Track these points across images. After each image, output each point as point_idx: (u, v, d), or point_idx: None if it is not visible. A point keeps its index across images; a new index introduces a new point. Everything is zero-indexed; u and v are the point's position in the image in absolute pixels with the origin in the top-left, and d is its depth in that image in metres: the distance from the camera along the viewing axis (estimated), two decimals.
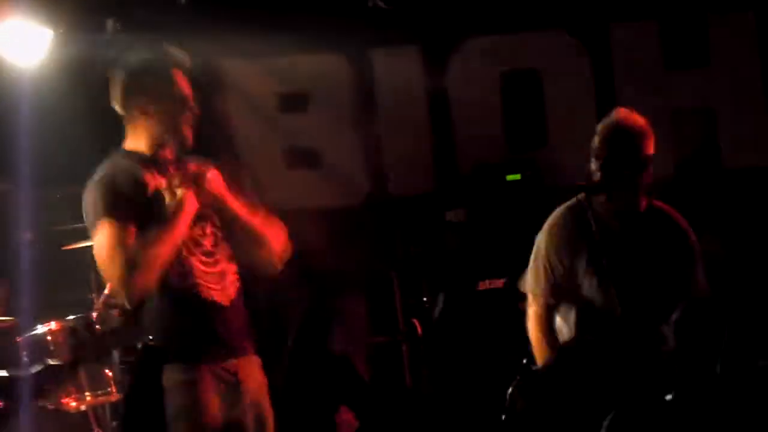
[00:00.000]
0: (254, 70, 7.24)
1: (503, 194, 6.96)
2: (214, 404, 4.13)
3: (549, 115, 7.31)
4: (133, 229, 4.03)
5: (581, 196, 4.58)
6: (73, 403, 5.94)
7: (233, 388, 4.19)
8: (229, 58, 7.12)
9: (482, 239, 6.80)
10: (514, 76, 7.37)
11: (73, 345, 3.55)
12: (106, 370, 6.07)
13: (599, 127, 4.53)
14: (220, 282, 4.20)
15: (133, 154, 4.21)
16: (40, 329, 5.92)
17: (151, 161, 4.19)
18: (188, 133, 4.24)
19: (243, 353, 4.22)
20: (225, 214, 4.23)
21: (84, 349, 3.54)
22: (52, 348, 5.79)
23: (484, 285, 6.50)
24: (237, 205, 4.23)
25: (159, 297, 4.11)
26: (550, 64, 7.31)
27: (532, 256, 4.64)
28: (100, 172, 4.18)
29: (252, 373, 4.24)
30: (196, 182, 4.14)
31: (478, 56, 7.33)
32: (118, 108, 4.26)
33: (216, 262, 4.21)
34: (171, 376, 4.12)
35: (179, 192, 4.08)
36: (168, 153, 4.23)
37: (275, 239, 4.29)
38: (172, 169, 4.19)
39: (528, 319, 4.65)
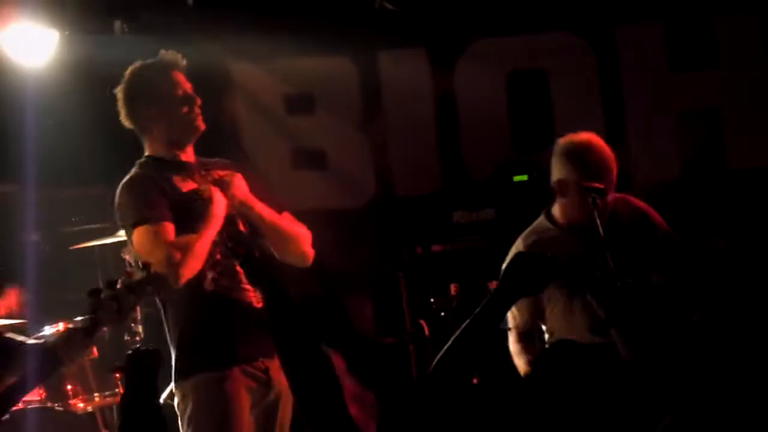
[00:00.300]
0: (261, 72, 7.25)
1: (510, 195, 6.96)
2: (244, 400, 4.16)
3: (556, 116, 7.31)
4: (170, 226, 4.09)
5: (540, 219, 4.61)
6: (81, 404, 5.97)
7: (264, 384, 4.22)
8: (236, 60, 7.14)
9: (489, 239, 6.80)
10: (521, 77, 7.37)
11: (92, 305, 3.56)
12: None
13: (564, 150, 4.52)
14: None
15: (155, 161, 4.26)
16: (48, 330, 5.95)
17: (175, 165, 4.25)
18: (199, 123, 4.29)
19: (273, 354, 4.23)
20: (252, 217, 4.29)
21: (104, 308, 3.55)
22: None
23: (493, 285, 6.52)
24: (262, 208, 4.29)
25: (191, 297, 4.15)
26: (556, 64, 7.30)
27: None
28: (130, 175, 4.24)
29: (279, 370, 4.25)
30: (221, 186, 4.20)
31: (485, 57, 7.32)
32: (127, 123, 4.32)
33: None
34: (201, 374, 4.15)
35: (206, 189, 4.15)
36: (189, 155, 4.29)
37: (303, 235, 4.36)
38: (197, 175, 4.25)
39: (512, 351, 4.69)
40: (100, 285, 5.93)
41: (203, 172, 4.32)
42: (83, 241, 6.17)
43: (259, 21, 6.83)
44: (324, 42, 7.01)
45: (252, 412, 4.21)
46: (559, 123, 7.27)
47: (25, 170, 6.30)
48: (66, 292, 6.47)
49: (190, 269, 4.06)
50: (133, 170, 4.29)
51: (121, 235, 5.43)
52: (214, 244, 4.16)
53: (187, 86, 4.31)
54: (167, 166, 4.27)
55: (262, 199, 4.37)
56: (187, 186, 4.23)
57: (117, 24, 6.56)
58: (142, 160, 4.32)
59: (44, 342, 3.76)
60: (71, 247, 6.23)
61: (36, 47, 6.18)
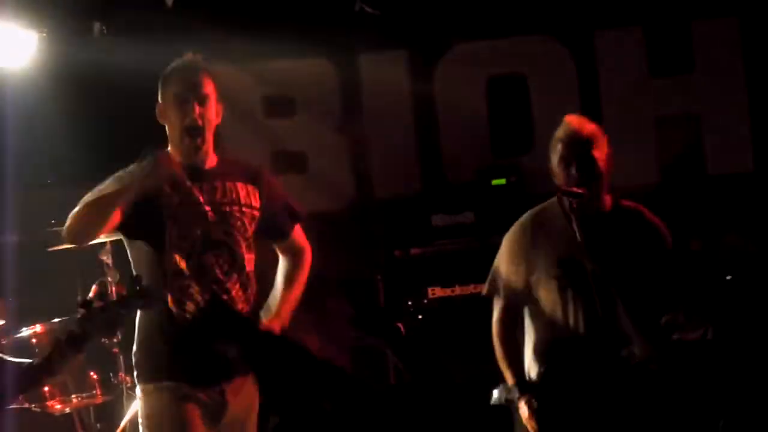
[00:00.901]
0: (241, 75, 7.24)
1: (488, 199, 6.98)
2: (194, 414, 4.13)
3: (535, 120, 7.33)
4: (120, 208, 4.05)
5: (553, 200, 4.62)
6: (58, 406, 5.94)
7: (218, 401, 4.18)
8: (216, 63, 7.11)
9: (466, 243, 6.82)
10: (501, 81, 7.40)
11: (82, 316, 3.54)
12: (91, 373, 6.09)
13: (558, 137, 4.57)
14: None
15: (167, 156, 4.19)
16: (25, 332, 5.92)
17: (184, 168, 4.19)
18: (196, 142, 4.20)
19: (233, 377, 4.20)
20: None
21: (93, 321, 3.53)
22: (36, 351, 5.80)
23: (466, 290, 6.57)
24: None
25: (154, 317, 4.11)
26: (535, 69, 7.33)
27: (495, 259, 4.67)
28: (133, 166, 4.17)
29: (240, 392, 4.21)
30: None
31: (465, 61, 7.35)
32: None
33: (223, 292, 4.21)
34: (150, 383, 4.14)
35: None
36: (202, 159, 4.21)
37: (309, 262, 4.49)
38: (217, 184, 4.22)
39: (493, 323, 4.68)
40: (78, 286, 5.97)
41: (224, 182, 4.25)
42: (62, 243, 6.14)
43: (239, 23, 6.83)
44: (303, 44, 7.01)
45: (202, 426, 4.17)
46: (538, 127, 7.29)
47: (2, 170, 6.28)
48: (44, 293, 6.45)
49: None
50: (138, 165, 4.18)
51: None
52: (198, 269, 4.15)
53: (191, 90, 4.17)
54: (178, 166, 4.18)
55: (285, 203, 4.37)
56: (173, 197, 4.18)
57: (96, 25, 6.54)
58: (159, 151, 4.20)
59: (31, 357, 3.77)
60: (50, 249, 6.20)
61: (14, 48, 6.16)
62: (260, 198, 4.30)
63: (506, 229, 4.72)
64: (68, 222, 4.05)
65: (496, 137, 7.36)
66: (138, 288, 3.65)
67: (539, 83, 7.30)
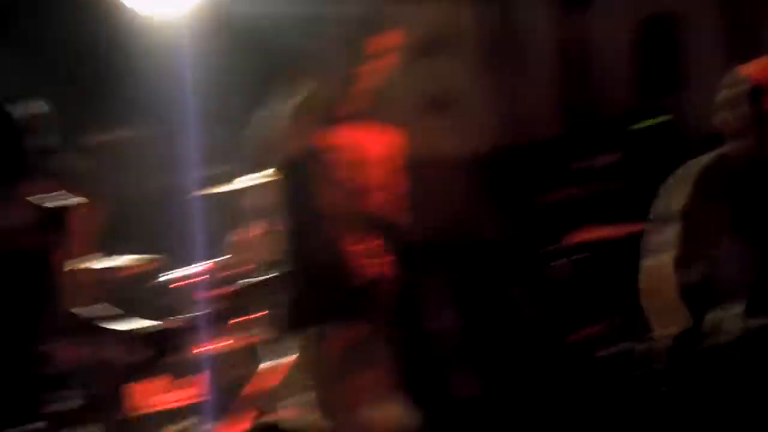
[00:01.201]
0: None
1: (635, 141, 6.91)
2: (345, 352, 4.23)
3: (685, 61, 7.21)
4: None
5: (725, 149, 4.47)
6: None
7: (365, 337, 4.27)
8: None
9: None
10: (651, 21, 7.29)
11: (235, 289, 3.68)
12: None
13: (737, 75, 4.42)
14: (363, 262, 4.28)
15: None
16: (189, 270, 6.00)
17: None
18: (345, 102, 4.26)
19: (370, 314, 4.32)
20: None
21: (246, 294, 3.66)
22: (177, 296, 5.88)
23: (613, 232, 6.50)
24: None
25: (300, 270, 4.21)
26: (688, 9, 7.19)
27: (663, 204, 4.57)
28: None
29: (382, 326, 4.32)
30: None
31: (615, 1, 7.26)
32: None
33: (360, 243, 4.28)
34: (299, 333, 4.26)
35: None
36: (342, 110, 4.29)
37: None
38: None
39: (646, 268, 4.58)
40: (220, 232, 6.07)
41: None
42: (216, 186, 6.26)
43: None
44: None
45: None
46: (689, 68, 7.18)
47: (165, 115, 6.45)
48: (187, 239, 6.58)
49: None
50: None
51: (250, 180, 5.51)
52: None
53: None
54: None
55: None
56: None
57: None
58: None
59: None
60: (201, 193, 6.33)
61: None
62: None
63: (654, 171, 4.65)
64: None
65: (644, 78, 7.26)
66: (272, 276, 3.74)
67: (691, 23, 7.16)
